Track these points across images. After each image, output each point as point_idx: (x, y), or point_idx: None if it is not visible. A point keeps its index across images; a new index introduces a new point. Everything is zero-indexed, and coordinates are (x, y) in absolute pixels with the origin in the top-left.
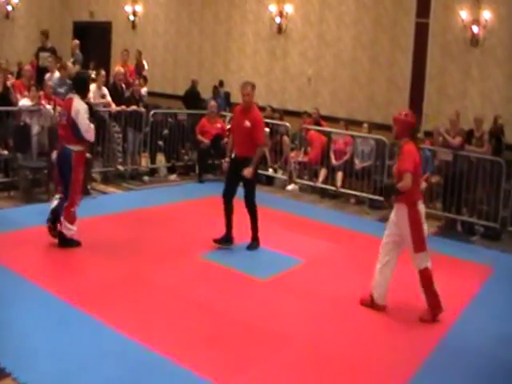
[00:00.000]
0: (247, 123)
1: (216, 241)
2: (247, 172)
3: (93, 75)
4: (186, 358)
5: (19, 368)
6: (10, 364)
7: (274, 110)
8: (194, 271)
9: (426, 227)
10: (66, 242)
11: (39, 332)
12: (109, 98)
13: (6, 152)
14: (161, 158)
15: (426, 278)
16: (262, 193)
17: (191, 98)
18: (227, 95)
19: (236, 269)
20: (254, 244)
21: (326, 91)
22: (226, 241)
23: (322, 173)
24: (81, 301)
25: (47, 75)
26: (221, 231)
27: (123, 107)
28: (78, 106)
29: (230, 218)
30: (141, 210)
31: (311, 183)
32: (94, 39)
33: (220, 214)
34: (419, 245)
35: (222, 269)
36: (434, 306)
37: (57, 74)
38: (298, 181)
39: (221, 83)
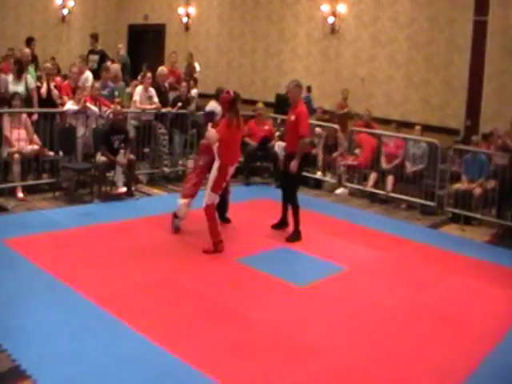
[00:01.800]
0: (292, 117)
1: (274, 226)
2: (292, 165)
3: (139, 77)
4: (211, 367)
5: (40, 370)
6: (31, 367)
7: (324, 112)
8: (228, 276)
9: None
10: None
11: (64, 335)
12: (156, 99)
13: (51, 153)
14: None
15: (210, 213)
16: (309, 196)
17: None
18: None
19: (273, 274)
20: (293, 235)
21: (379, 93)
22: (281, 224)
23: (372, 176)
24: (110, 304)
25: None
26: (259, 236)
27: (169, 109)
28: None
29: (286, 206)
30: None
31: (361, 187)
32: (148, 42)
33: (262, 217)
34: (216, 187)
35: (258, 274)
36: (216, 242)
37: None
38: (348, 185)
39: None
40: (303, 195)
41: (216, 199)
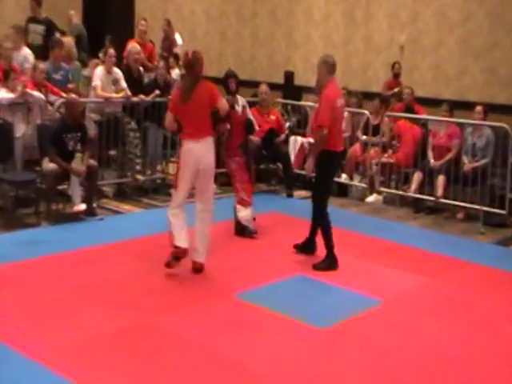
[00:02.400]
0: (317, 105)
1: (296, 246)
2: (306, 166)
3: (100, 55)
4: None
5: None
6: None
7: (350, 93)
8: (226, 317)
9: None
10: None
11: None
12: (124, 84)
13: None
14: None
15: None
16: (332, 207)
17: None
18: (290, 76)
19: (284, 313)
20: (324, 262)
21: (425, 65)
22: (306, 247)
23: (416, 178)
24: (65, 363)
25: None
26: (267, 262)
27: (141, 97)
28: None
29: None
30: (164, 235)
31: (400, 192)
32: (112, 6)
33: (269, 237)
34: (174, 182)
35: (265, 313)
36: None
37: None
38: (382, 189)
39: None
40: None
41: (178, 199)
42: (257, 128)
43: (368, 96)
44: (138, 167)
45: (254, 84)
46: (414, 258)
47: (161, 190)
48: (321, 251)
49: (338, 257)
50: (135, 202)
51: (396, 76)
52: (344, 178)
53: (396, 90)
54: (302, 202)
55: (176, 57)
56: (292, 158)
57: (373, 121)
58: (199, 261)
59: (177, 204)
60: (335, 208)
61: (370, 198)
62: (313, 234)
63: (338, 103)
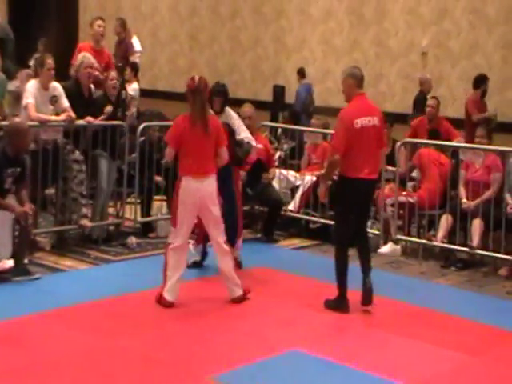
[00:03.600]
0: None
1: (327, 304)
2: (319, 191)
3: (31, 63)
4: None
5: None
6: None
7: None
8: None
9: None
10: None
11: None
12: (66, 104)
13: None
14: (160, 206)
15: (166, 253)
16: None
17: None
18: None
19: None
20: (334, 301)
21: (454, 75)
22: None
23: (444, 222)
24: None
25: None
26: (254, 332)
27: (89, 119)
28: None
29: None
30: (119, 298)
31: (424, 241)
32: (48, 2)
33: (257, 299)
34: (173, 219)
35: None
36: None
37: None
38: (400, 237)
39: (301, 72)
40: (325, 258)
41: (178, 238)
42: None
43: None
44: (83, 210)
45: (234, 102)
46: (445, 328)
47: (114, 239)
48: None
49: (345, 325)
50: (80, 255)
51: (484, 94)
52: None
53: (487, 114)
54: (294, 253)
55: (134, 67)
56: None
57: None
58: (237, 295)
59: (178, 242)
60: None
61: (385, 248)
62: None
63: (358, 123)
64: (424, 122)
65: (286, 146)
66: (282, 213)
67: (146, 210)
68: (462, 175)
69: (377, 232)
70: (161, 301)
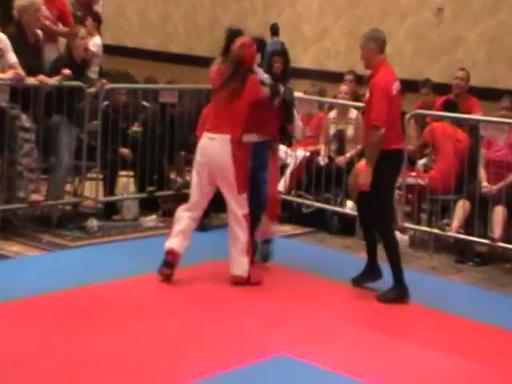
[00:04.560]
0: (367, 94)
1: (356, 281)
2: (361, 179)
3: None
4: None
5: None
6: None
7: (357, 81)
8: None
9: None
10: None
11: None
12: (13, 59)
13: None
14: (126, 183)
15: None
16: (332, 251)
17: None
18: None
19: None
20: (392, 292)
21: (474, 36)
22: (370, 275)
23: (461, 209)
24: None
25: None
26: (236, 335)
27: (42, 78)
28: None
29: (371, 244)
30: (75, 291)
31: (436, 231)
32: None
33: (233, 299)
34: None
35: None
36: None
37: None
38: (408, 226)
39: (274, 28)
40: (322, 248)
41: (190, 201)
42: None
43: None
44: (31, 186)
45: (202, 62)
46: (458, 333)
47: (71, 221)
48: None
49: (340, 328)
50: (29, 240)
51: None
52: (349, 207)
53: None
54: (284, 241)
55: (96, 18)
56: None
57: None
58: (238, 273)
59: (187, 207)
60: (336, 252)
61: None
62: (373, 254)
63: (394, 90)
64: (437, 98)
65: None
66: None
67: (110, 188)
68: (483, 154)
69: None
70: (165, 258)
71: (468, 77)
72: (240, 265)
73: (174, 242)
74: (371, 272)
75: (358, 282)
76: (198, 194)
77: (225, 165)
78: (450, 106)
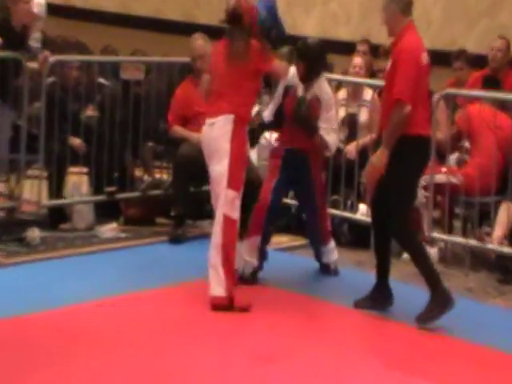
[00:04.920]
0: (389, 64)
1: (358, 304)
2: (373, 160)
3: None
4: None
5: None
6: None
7: (374, 51)
8: None
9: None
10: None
11: None
12: None
13: None
14: (78, 183)
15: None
16: (342, 269)
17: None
18: None
19: None
20: (434, 306)
21: None
22: (378, 299)
23: (504, 214)
24: None
25: None
26: (214, 374)
27: None
28: None
29: (383, 259)
30: (13, 321)
31: (473, 242)
32: None
33: (221, 329)
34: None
35: None
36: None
37: None
38: (437, 236)
39: None
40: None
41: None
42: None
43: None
44: None
45: (192, 29)
46: (501, 372)
47: (6, 232)
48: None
49: (355, 363)
50: None
51: None
52: (363, 212)
53: None
54: (281, 256)
55: None
56: None
57: None
58: (216, 294)
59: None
60: (346, 269)
61: None
62: (383, 272)
63: (424, 60)
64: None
65: (266, 98)
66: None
67: (57, 189)
68: None
69: None
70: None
71: (509, 46)
72: (217, 281)
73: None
74: (378, 294)
75: (359, 305)
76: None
77: (223, 147)
78: (489, 82)
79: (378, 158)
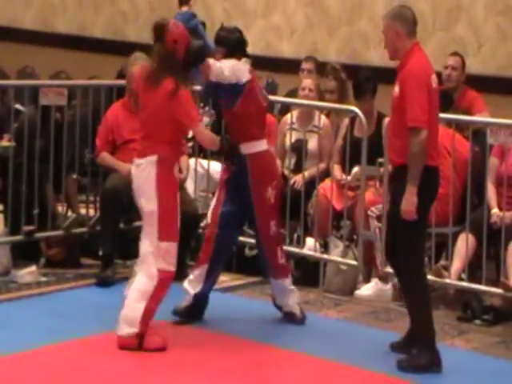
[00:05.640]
0: (396, 89)
1: (394, 347)
2: (404, 205)
3: None
4: None
5: None
6: None
7: (335, 75)
8: None
9: None
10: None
11: None
12: None
13: None
14: None
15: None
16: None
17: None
18: None
19: None
20: (421, 356)
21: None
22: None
23: (463, 245)
24: None
25: None
26: None
27: None
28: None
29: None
30: None
31: (429, 277)
32: None
33: None
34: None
35: None
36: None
37: None
38: (390, 271)
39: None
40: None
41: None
42: None
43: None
44: None
45: (120, 47)
46: None
47: None
48: None
49: None
50: None
51: None
52: (310, 247)
53: None
54: (221, 297)
55: None
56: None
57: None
58: (125, 332)
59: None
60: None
61: (367, 289)
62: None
63: (434, 83)
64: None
65: (206, 120)
66: (200, 231)
67: None
68: (492, 169)
69: (353, 262)
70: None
71: (463, 64)
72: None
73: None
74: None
75: (396, 348)
76: None
77: (149, 191)
78: (444, 100)
79: (408, 201)
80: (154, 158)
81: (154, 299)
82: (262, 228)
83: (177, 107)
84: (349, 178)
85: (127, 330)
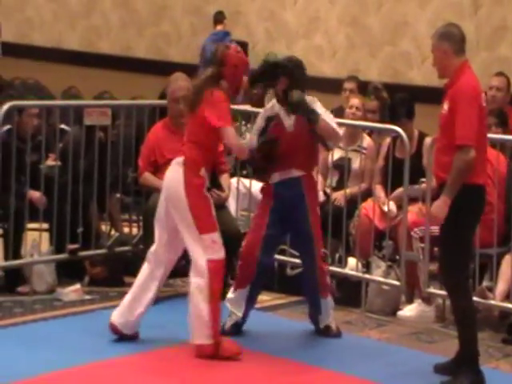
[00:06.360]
0: (445, 107)
1: (438, 369)
2: (434, 209)
3: None
4: None
5: None
6: None
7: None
8: None
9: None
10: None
11: None
12: None
13: None
14: (38, 239)
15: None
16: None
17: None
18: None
19: None
20: (464, 378)
21: None
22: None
23: (507, 266)
24: None
25: None
26: None
27: None
28: None
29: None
30: None
31: (474, 298)
32: None
33: None
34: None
35: None
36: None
37: None
38: (435, 291)
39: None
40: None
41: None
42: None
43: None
44: None
45: (163, 68)
46: None
47: None
48: None
49: None
50: None
51: None
52: (352, 267)
53: None
54: (262, 316)
55: None
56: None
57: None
58: (200, 342)
59: (152, 250)
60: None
61: (409, 310)
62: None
63: (483, 101)
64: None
65: (247, 136)
66: (241, 250)
67: (13, 248)
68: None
69: (395, 282)
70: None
71: (509, 84)
72: (200, 329)
73: (114, 314)
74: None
75: (440, 370)
76: (160, 245)
77: (175, 192)
78: (499, 119)
79: (439, 208)
80: (181, 158)
81: (213, 297)
82: (316, 248)
83: (207, 105)
84: (391, 205)
85: (201, 339)
